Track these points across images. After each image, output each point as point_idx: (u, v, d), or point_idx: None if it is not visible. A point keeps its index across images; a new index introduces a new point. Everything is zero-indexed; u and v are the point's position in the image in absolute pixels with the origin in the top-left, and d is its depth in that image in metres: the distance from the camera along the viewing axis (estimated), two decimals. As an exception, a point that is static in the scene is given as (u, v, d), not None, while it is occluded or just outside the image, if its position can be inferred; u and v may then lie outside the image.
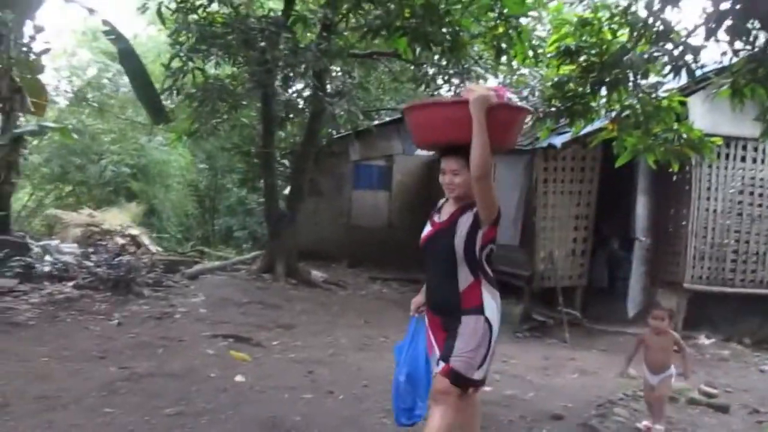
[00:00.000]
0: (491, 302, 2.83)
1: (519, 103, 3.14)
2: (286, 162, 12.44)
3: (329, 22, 8.71)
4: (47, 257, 8.37)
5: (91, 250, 9.10)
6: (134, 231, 11.65)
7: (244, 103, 10.22)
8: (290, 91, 8.93)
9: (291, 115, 10.42)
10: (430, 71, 9.35)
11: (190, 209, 17.05)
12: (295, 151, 11.62)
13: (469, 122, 2.65)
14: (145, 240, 11.67)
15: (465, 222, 2.80)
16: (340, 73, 10.09)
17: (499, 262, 10.12)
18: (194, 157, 16.73)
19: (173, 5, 8.77)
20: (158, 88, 8.87)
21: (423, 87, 9.69)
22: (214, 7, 8.99)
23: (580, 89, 5.85)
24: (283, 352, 6.03)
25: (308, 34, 9.80)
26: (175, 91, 8.77)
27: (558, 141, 8.52)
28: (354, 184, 13.16)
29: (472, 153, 2.64)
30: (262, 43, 8.16)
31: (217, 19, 8.81)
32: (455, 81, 8.27)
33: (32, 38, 8.62)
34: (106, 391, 4.39)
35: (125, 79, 15.91)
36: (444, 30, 6.36)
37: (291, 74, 8.73)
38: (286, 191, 11.63)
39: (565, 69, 6.03)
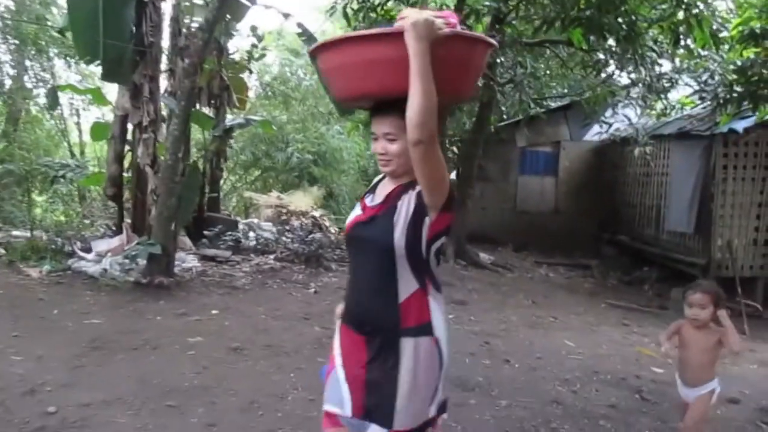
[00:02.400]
0: (440, 317, 2.00)
1: (478, 34, 2.20)
2: (454, 148, 12.96)
3: (501, 15, 9.04)
4: (251, 233, 9.63)
5: (287, 228, 10.28)
6: (316, 213, 12.83)
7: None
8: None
9: (461, 104, 10.88)
10: (601, 56, 9.37)
11: (362, 193, 18.19)
12: (464, 138, 12.09)
13: (407, 64, 1.77)
14: (326, 221, 12.80)
15: (405, 206, 1.96)
16: (510, 63, 10.40)
17: (672, 250, 10.02)
18: (366, 144, 17.82)
19: (356, 5, 9.57)
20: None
21: (594, 73, 9.74)
22: (391, 4, 9.67)
23: (766, 73, 5.75)
24: (460, 324, 6.57)
25: (479, 25, 10.19)
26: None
27: (740, 126, 8.21)
28: (521, 170, 13.39)
29: (410, 106, 1.76)
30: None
31: (394, 16, 9.46)
32: (629, 68, 8.27)
33: (254, 45, 9.92)
34: (316, 344, 5.21)
35: (305, 73, 17.43)
36: (620, 19, 6.46)
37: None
38: (452, 176, 12.14)
39: (749, 52, 5.93)
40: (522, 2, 8.16)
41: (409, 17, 1.76)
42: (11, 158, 12.55)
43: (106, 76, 7.95)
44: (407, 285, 1.96)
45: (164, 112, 8.37)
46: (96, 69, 10.46)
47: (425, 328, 1.96)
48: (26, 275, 6.67)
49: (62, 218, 12.74)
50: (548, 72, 12.85)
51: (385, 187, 2.07)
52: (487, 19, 9.64)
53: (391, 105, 1.91)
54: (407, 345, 1.94)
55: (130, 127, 8.22)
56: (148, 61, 7.93)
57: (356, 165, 17.42)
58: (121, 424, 3.46)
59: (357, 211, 2.12)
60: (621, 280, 10.82)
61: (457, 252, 10.40)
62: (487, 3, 9.26)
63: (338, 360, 2.09)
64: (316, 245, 8.88)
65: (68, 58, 14.42)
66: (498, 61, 9.46)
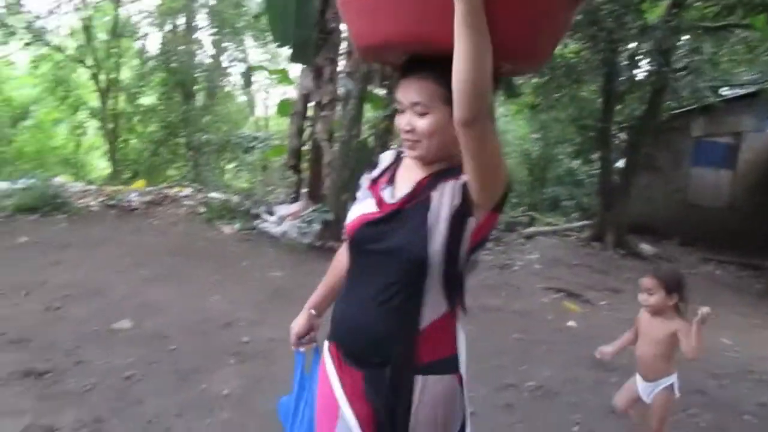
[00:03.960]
0: (464, 347, 1.53)
1: None
2: (621, 136, 12.60)
3: (679, -1, 8.71)
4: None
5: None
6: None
7: (586, 78, 10.74)
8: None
9: (632, 90, 10.61)
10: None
11: (522, 177, 18.21)
12: (633, 125, 11.74)
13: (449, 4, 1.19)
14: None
15: (447, 201, 1.44)
16: (687, 48, 9.94)
17: None
18: (532, 127, 17.79)
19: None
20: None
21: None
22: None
23: None
24: (611, 311, 6.64)
25: (656, 9, 9.84)
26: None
27: None
28: (694, 161, 12.70)
29: (456, 69, 1.22)
30: (610, 23, 8.57)
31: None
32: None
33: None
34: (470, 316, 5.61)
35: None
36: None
37: (638, 52, 8.99)
38: (619, 164, 11.85)
39: None
40: (704, -15, 7.81)
41: None
42: (209, 129, 14.25)
43: (294, 59, 8.82)
44: (434, 307, 1.46)
45: (340, 92, 9.12)
46: (284, 51, 11.55)
47: (450, 362, 1.50)
48: (221, 231, 7.76)
49: (245, 184, 14.26)
50: (734, 58, 12.01)
51: (410, 175, 1.54)
52: (665, 3, 9.33)
53: (427, 64, 1.39)
54: (423, 385, 1.47)
55: (309, 104, 9.11)
56: (330, 46, 8.71)
57: (519, 148, 17.46)
58: (298, 359, 4.11)
59: (368, 205, 1.56)
60: (802, 285, 10.02)
61: (616, 241, 10.26)
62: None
63: (346, 407, 1.56)
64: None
65: (260, 41, 15.91)
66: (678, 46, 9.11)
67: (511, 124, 16.67)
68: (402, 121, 1.47)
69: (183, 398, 3.41)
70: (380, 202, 1.54)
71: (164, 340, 4.22)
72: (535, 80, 10.44)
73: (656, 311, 2.89)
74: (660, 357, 2.90)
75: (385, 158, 1.67)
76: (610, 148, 10.96)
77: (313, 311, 1.86)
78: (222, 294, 5.38)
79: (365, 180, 1.66)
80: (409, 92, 1.44)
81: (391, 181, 1.58)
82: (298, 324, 1.85)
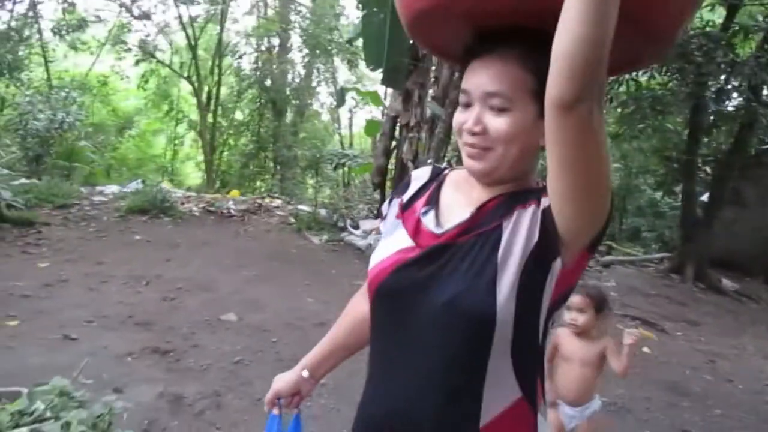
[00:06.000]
0: None
1: None
2: (707, 169, 12.44)
3: (774, 34, 8.67)
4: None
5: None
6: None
7: (672, 110, 10.74)
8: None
9: (719, 124, 10.54)
10: None
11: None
12: (719, 158, 11.60)
13: None
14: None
15: (522, 235, 1.00)
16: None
17: None
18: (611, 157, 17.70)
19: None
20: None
21: None
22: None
23: None
24: (686, 341, 6.69)
25: (747, 43, 9.79)
26: (609, 99, 9.87)
27: None
28: (783, 198, 12.36)
29: (565, 24, 0.80)
30: (699, 57, 8.62)
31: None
32: None
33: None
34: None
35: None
36: None
37: (726, 87, 8.99)
38: (703, 197, 11.71)
39: None
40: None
41: None
42: (297, 145, 15.00)
43: (385, 82, 9.34)
44: (500, 391, 1.03)
45: (427, 115, 9.55)
46: (373, 74, 12.12)
47: None
48: (310, 241, 8.29)
49: (326, 200, 14.90)
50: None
51: (464, 196, 1.11)
52: (757, 37, 9.30)
53: (508, 43, 1.00)
54: None
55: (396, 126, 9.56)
56: (420, 71, 9.17)
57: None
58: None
59: (399, 239, 1.12)
60: None
61: (696, 274, 10.15)
62: (760, 18, 8.96)
63: None
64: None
65: (350, 63, 16.64)
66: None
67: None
68: (468, 119, 1.02)
69: (286, 383, 3.84)
70: (417, 232, 1.09)
71: (266, 332, 4.71)
72: (619, 110, 10.52)
73: (582, 332, 2.76)
74: (589, 379, 2.77)
75: (420, 175, 1.22)
76: (694, 180, 10.88)
77: (305, 372, 1.38)
78: (314, 297, 5.85)
79: (393, 206, 1.19)
80: (482, 78, 1.01)
81: (433, 200, 1.13)
82: (283, 380, 1.38)
